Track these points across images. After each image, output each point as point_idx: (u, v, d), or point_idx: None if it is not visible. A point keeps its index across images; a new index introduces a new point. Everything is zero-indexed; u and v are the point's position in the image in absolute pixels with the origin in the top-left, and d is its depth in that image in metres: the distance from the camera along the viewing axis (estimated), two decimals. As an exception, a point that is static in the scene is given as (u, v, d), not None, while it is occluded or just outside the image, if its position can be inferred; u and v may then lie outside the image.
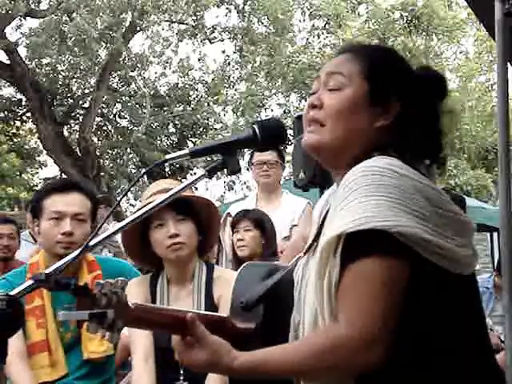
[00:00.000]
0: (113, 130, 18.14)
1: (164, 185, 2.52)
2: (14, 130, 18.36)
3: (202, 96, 17.64)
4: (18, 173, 17.90)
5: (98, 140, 17.85)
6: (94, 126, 16.77)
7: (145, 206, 1.69)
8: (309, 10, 14.85)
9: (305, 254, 1.52)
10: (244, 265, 1.60)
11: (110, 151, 17.87)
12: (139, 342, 2.42)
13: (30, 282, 1.28)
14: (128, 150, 17.20)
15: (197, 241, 2.51)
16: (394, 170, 1.30)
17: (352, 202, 1.28)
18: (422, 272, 1.29)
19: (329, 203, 1.48)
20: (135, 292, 2.49)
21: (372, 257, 1.26)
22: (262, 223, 3.82)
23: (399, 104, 1.44)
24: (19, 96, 16.64)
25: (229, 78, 16.65)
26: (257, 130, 1.43)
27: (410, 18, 14.94)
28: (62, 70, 16.40)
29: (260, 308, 1.45)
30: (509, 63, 3.34)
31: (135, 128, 16.74)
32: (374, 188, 1.28)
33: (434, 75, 1.50)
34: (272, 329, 1.43)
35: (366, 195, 1.27)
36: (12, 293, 1.25)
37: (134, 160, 17.74)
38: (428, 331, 1.32)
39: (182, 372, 2.37)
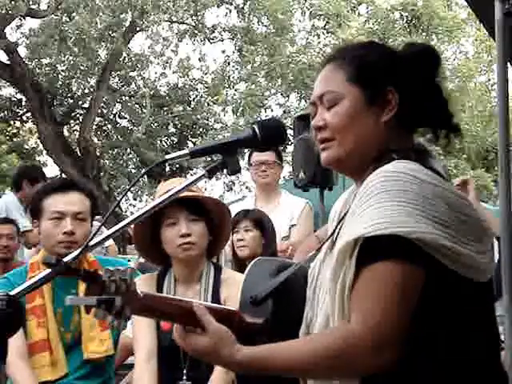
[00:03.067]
0: (113, 130, 18.12)
1: (176, 184, 2.52)
2: (14, 130, 18.35)
3: (201, 96, 17.62)
4: (18, 173, 17.87)
5: (98, 140, 17.84)
6: (94, 126, 16.76)
7: (145, 206, 1.70)
8: (309, 9, 14.83)
9: (317, 250, 1.52)
10: (255, 260, 1.61)
11: (110, 151, 17.85)
12: (142, 341, 2.42)
13: (31, 281, 1.29)
14: (128, 150, 17.18)
15: (207, 241, 2.52)
16: (416, 175, 1.30)
17: (372, 207, 1.28)
18: (439, 277, 1.29)
19: (348, 204, 1.48)
20: (141, 290, 2.49)
21: (388, 261, 1.26)
22: (262, 223, 3.82)
23: (397, 91, 1.44)
24: (19, 96, 16.62)
25: (229, 78, 16.62)
26: (257, 130, 1.44)
27: (410, 18, 14.93)
28: (62, 70, 16.38)
29: (269, 303, 1.45)
30: (509, 63, 3.34)
31: (135, 128, 16.72)
32: (395, 194, 1.28)
33: (421, 49, 1.50)
34: (281, 324, 1.43)
35: (386, 200, 1.28)
36: (12, 292, 1.25)
37: (134, 160, 17.72)
38: (441, 335, 1.31)
39: (185, 372, 2.38)
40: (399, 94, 1.44)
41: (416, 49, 1.50)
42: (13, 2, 13.56)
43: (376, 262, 1.27)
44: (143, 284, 2.52)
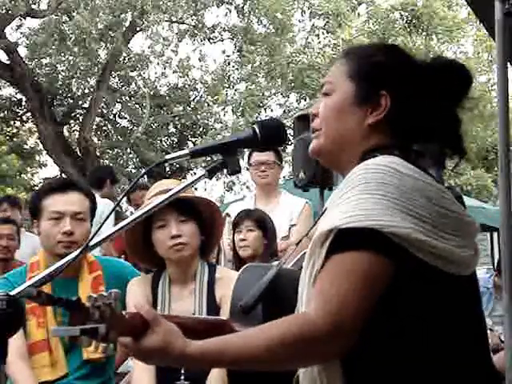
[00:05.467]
0: (113, 130, 18.11)
1: (166, 185, 2.53)
2: (14, 130, 18.34)
3: (201, 96, 17.62)
4: (18, 173, 17.88)
5: (98, 140, 17.83)
6: (94, 126, 16.74)
7: (145, 205, 1.70)
8: (309, 9, 14.82)
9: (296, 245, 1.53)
10: (244, 267, 1.60)
11: (110, 151, 17.84)
12: None
13: (31, 281, 1.29)
14: (128, 150, 17.16)
15: (199, 241, 2.52)
16: (396, 168, 1.31)
17: (350, 198, 1.29)
18: (413, 271, 1.29)
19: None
20: (136, 291, 2.49)
21: (356, 251, 1.27)
22: (264, 223, 3.82)
23: (391, 97, 1.43)
24: (19, 96, 16.61)
25: (229, 78, 16.61)
26: (257, 130, 1.44)
27: (410, 18, 14.92)
28: (62, 70, 16.36)
29: (259, 310, 1.45)
30: (509, 63, 3.34)
31: (135, 128, 16.71)
32: (374, 186, 1.28)
33: (444, 61, 1.50)
34: None
35: (364, 193, 1.28)
36: (12, 293, 1.25)
37: (134, 160, 17.71)
38: (420, 329, 1.31)
39: (182, 371, 2.38)
40: (395, 100, 1.43)
41: (440, 61, 1.50)
42: (13, 2, 13.55)
43: (344, 252, 1.27)
44: (138, 286, 2.52)
